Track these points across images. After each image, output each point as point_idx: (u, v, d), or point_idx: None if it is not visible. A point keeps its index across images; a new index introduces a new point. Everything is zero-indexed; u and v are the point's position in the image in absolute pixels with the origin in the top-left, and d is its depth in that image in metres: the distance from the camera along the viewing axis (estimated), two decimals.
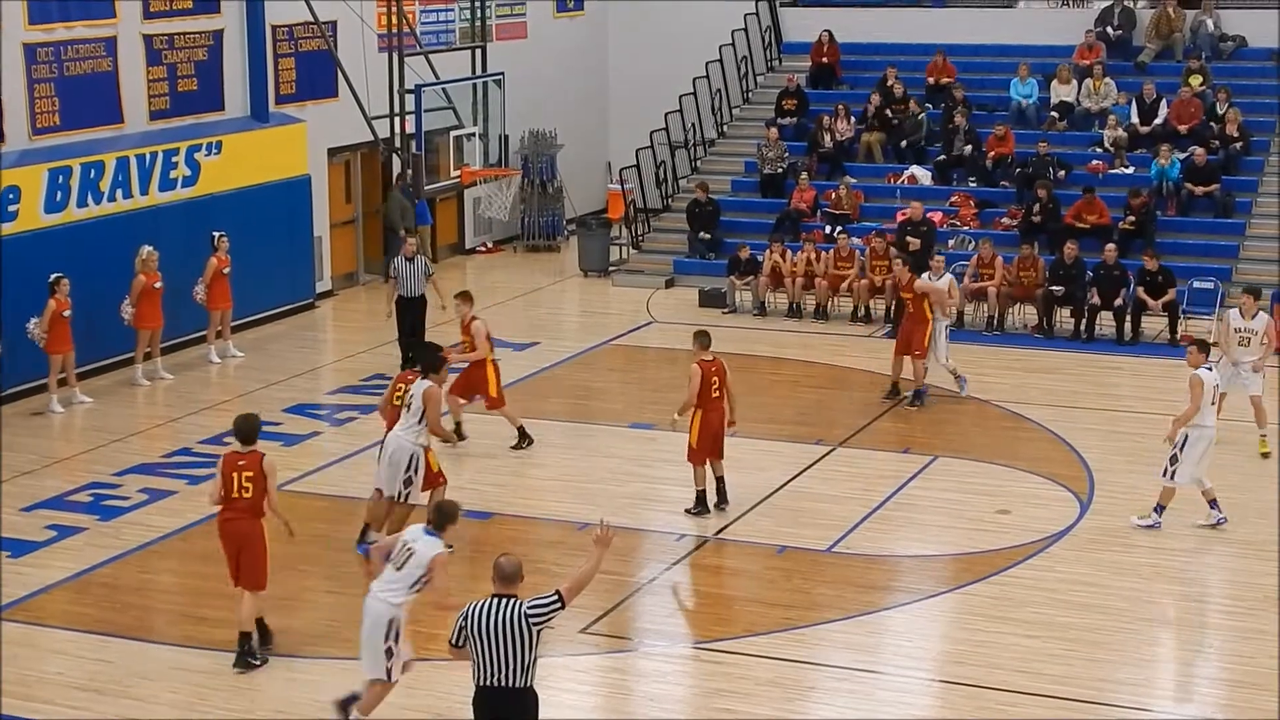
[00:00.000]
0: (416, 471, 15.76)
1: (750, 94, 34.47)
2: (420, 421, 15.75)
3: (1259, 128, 30.22)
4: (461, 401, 19.51)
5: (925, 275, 21.90)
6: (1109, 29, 32.70)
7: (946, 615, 15.33)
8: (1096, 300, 25.51)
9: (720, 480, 17.59)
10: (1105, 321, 25.48)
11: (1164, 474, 17.01)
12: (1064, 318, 25.82)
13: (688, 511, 17.41)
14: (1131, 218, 27.59)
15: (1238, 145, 29.62)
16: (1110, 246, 25.86)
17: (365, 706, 12.43)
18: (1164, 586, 15.91)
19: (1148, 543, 16.76)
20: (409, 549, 12.08)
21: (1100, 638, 14.50)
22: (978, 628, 14.80)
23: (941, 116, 31.26)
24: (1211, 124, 29.93)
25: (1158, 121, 30.23)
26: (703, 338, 17.85)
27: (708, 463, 17.41)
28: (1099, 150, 30.27)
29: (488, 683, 10.48)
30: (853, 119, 31.75)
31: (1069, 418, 21.10)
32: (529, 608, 10.44)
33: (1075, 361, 24.07)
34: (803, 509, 17.76)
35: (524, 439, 19.69)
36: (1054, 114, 31.22)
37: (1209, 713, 13.33)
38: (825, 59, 33.81)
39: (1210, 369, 17.16)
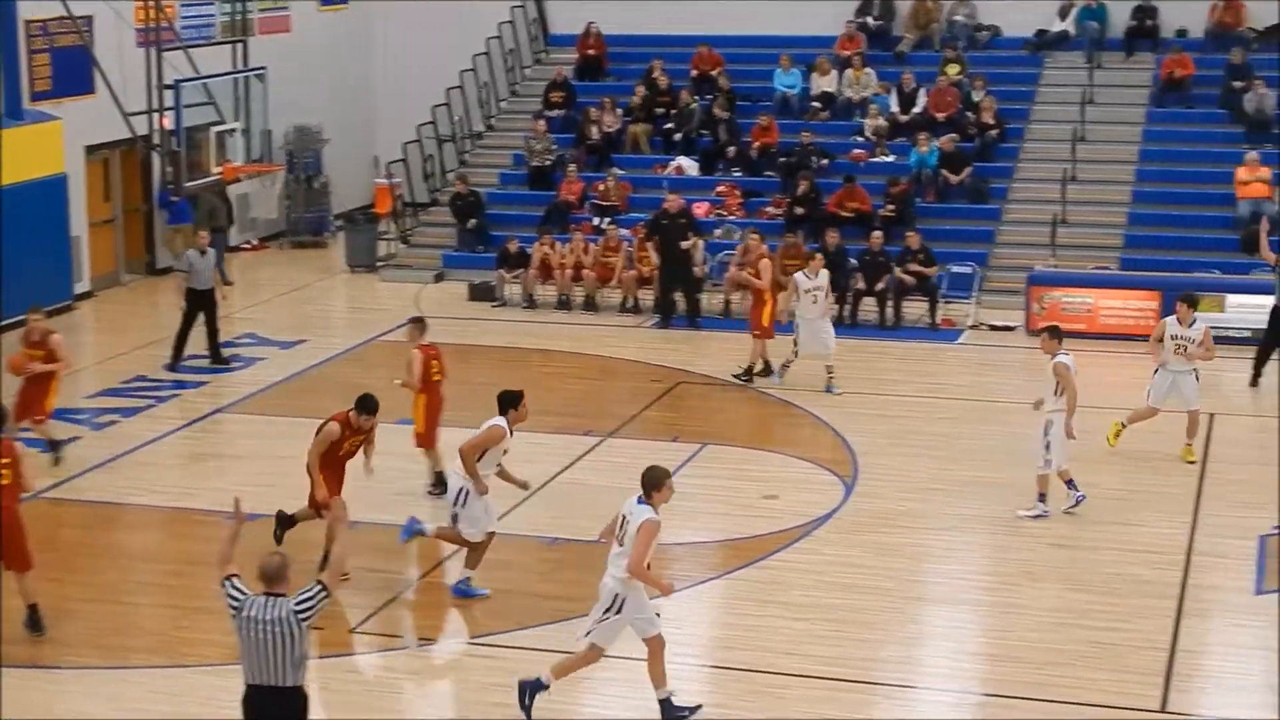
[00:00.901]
0: (463, 505, 15.14)
1: (518, 87, 34.46)
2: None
3: (1014, 115, 31.00)
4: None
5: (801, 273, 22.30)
6: (869, 20, 33.28)
7: (717, 601, 15.48)
8: (862, 285, 25.96)
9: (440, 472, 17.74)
10: (869, 307, 25.92)
11: (1043, 463, 17.17)
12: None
13: (429, 493, 17.65)
14: (892, 205, 28.14)
15: (994, 132, 30.36)
16: (877, 234, 26.32)
17: (561, 669, 12.79)
18: (928, 565, 16.24)
19: (910, 524, 17.10)
20: (626, 522, 12.37)
21: (866, 618, 14.76)
22: (747, 612, 14.98)
23: (709, 107, 31.54)
24: (968, 112, 30.63)
25: (917, 110, 30.86)
26: (420, 324, 17.97)
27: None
28: (860, 139, 30.82)
29: (257, 681, 10.36)
30: (620, 111, 31.89)
31: (835, 402, 21.43)
32: (296, 604, 10.33)
33: (840, 347, 24.39)
34: (574, 500, 17.78)
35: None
36: (816, 104, 31.68)
37: (972, 687, 13.64)
38: (592, 51, 33.92)
39: (1068, 354, 17.20)
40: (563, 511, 17.39)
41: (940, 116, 30.52)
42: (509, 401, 15.07)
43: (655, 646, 12.69)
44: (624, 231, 27.80)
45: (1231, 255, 27.45)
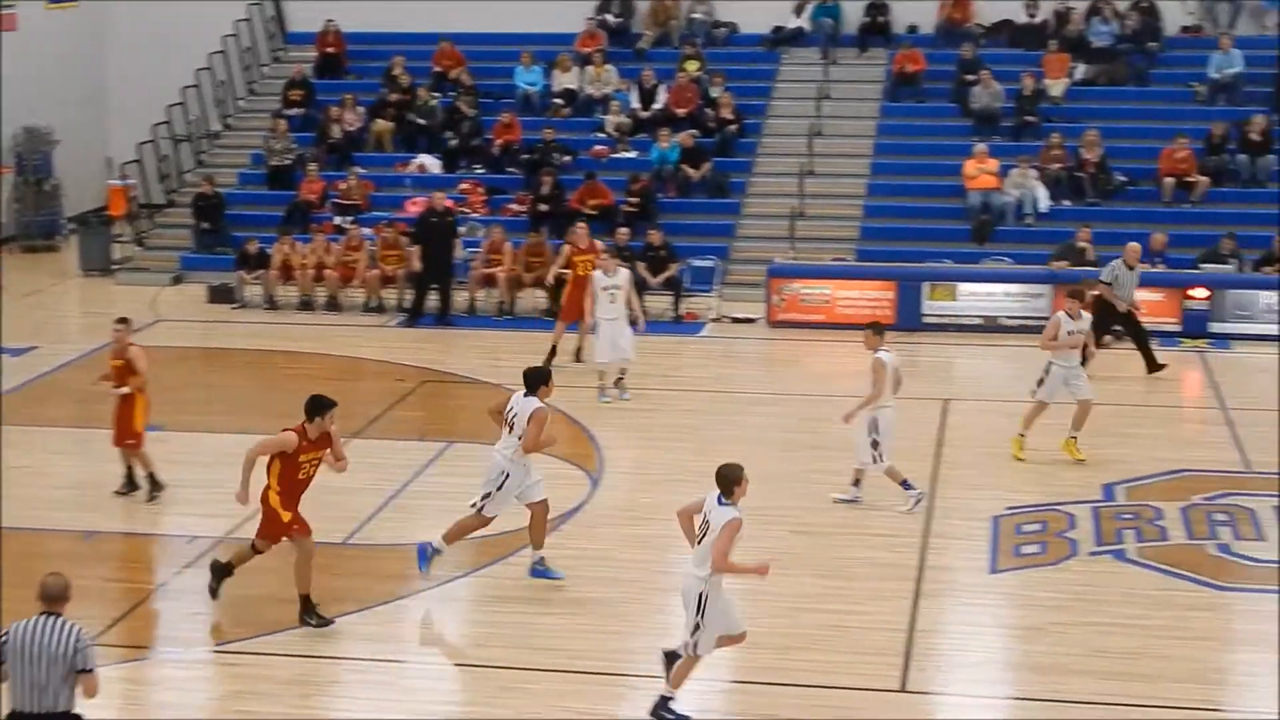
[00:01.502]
0: (500, 488, 15.07)
1: (256, 86, 34.00)
2: (519, 438, 14.95)
3: (752, 111, 31.48)
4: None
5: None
6: (608, 17, 33.51)
7: (466, 599, 15.45)
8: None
9: (131, 469, 17.64)
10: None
11: (872, 460, 17.29)
12: None
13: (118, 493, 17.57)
14: (634, 201, 28.38)
15: (733, 128, 30.79)
16: (623, 230, 26.50)
17: (675, 679, 12.63)
18: (674, 556, 16.35)
19: (655, 515, 17.19)
20: (707, 522, 12.38)
21: (615, 610, 14.86)
22: (496, 609, 14.97)
23: (451, 105, 31.46)
24: (708, 108, 31.02)
25: (657, 106, 31.17)
26: (126, 322, 17.79)
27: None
28: (602, 136, 31.01)
29: (24, 708, 9.98)
30: (361, 109, 31.63)
31: (580, 397, 21.52)
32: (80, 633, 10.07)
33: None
34: (319, 502, 17.52)
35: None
36: (558, 101, 31.79)
37: (720, 675, 13.80)
38: (331, 49, 33.61)
39: (889, 351, 17.31)
40: (306, 514, 17.12)
41: (680, 112, 30.86)
42: (539, 379, 15.15)
43: (738, 640, 12.84)
44: (366, 231, 27.60)
45: (963, 245, 28.24)
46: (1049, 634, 14.28)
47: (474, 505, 15.33)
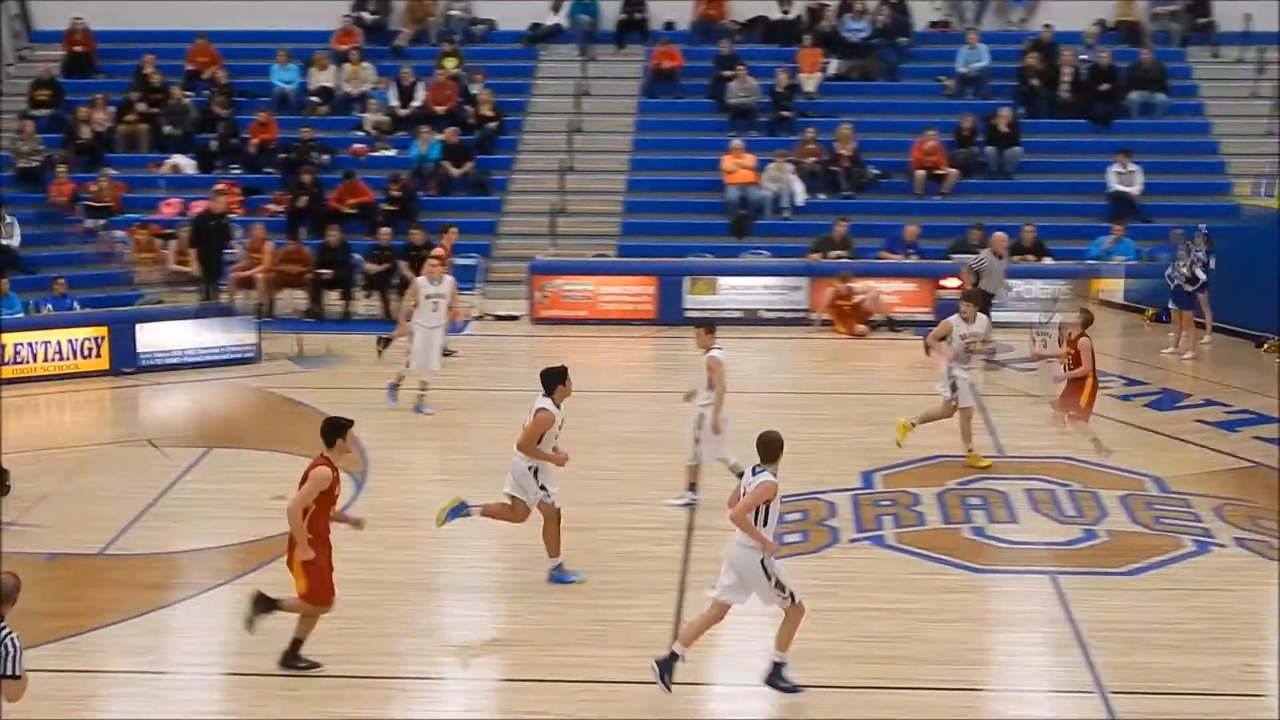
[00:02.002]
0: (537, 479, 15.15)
1: (0, 86, 32.98)
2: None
3: (511, 108, 31.47)
4: None
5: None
6: (364, 14, 33.22)
7: (229, 607, 15.15)
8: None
9: None
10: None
11: (692, 455, 17.21)
12: (333, 300, 26.10)
13: None
14: (394, 198, 28.19)
15: (492, 125, 30.74)
16: (385, 230, 26.30)
17: (783, 640, 12.86)
18: (441, 556, 16.31)
19: (422, 516, 17.08)
20: (744, 490, 12.67)
21: (383, 612, 14.70)
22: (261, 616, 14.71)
23: (205, 103, 30.92)
24: (467, 105, 30.92)
25: (416, 104, 30.99)
26: None
27: None
28: (360, 134, 30.74)
29: None
30: (111, 108, 30.92)
31: (346, 397, 21.30)
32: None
33: (346, 343, 24.36)
34: (73, 512, 17.18)
35: None
36: (315, 99, 31.42)
37: (492, 674, 13.78)
38: (79, 48, 32.81)
39: (721, 349, 17.20)
40: (59, 526, 16.75)
41: (439, 110, 30.75)
42: (555, 379, 15.03)
43: (795, 616, 12.92)
44: (119, 233, 26.99)
45: (722, 239, 28.59)
46: (812, 620, 14.42)
47: (543, 498, 15.22)
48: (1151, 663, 13.47)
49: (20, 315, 24.10)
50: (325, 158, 29.66)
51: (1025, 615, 14.67)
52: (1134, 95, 31.64)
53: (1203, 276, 24.12)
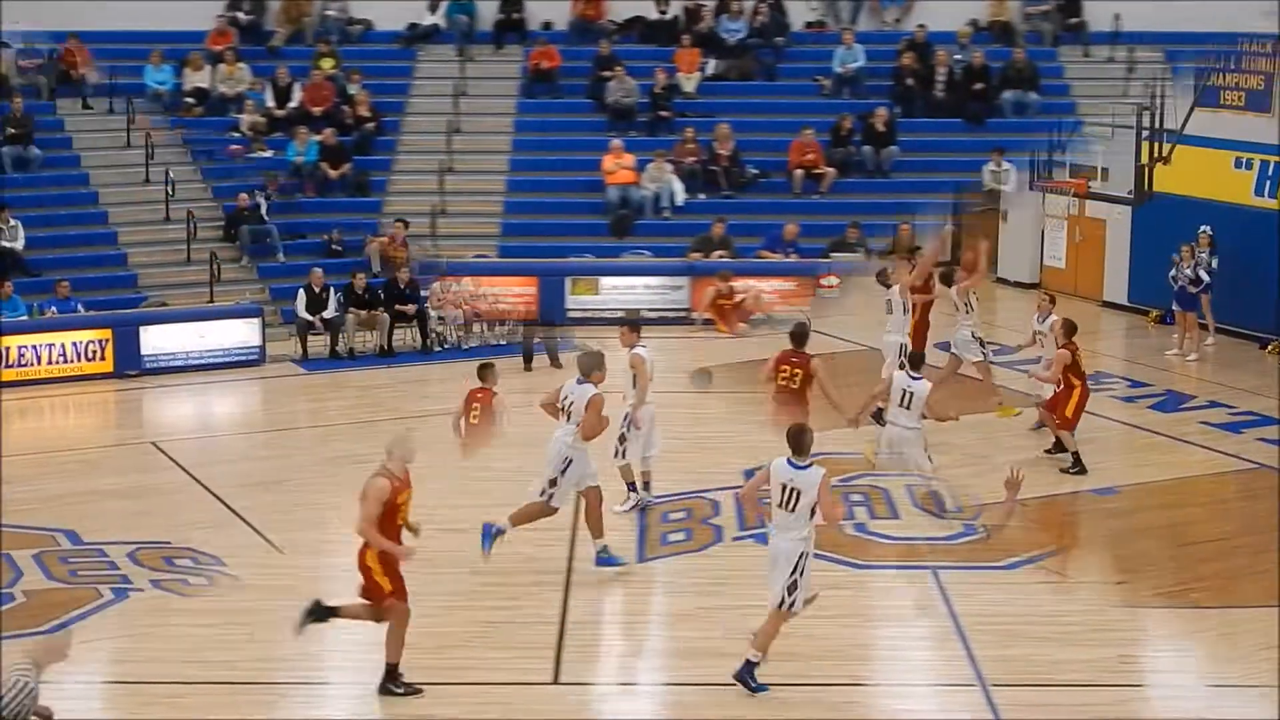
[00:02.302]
0: (563, 474, 15.30)
1: None
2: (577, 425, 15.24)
3: (390, 109, 31.30)
4: None
5: None
6: (239, 14, 32.88)
7: (112, 615, 14.96)
8: None
9: None
10: None
11: (615, 454, 17.06)
12: None
13: None
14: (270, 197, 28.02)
15: (370, 126, 30.56)
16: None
17: (762, 642, 12.84)
18: (323, 561, 16.16)
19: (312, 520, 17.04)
20: (794, 489, 12.82)
21: (263, 618, 14.57)
22: (144, 624, 14.55)
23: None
24: (344, 106, 30.72)
25: (293, 105, 30.72)
26: None
27: None
28: (237, 135, 30.41)
29: None
30: None
31: None
32: None
33: None
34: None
35: None
36: (190, 100, 31.06)
37: (370, 679, 13.67)
38: None
39: (645, 346, 17.21)
40: None
41: (316, 111, 30.50)
42: (592, 365, 15.51)
43: (776, 622, 13.15)
44: None
45: (603, 239, 28.61)
46: (697, 619, 14.56)
47: (542, 493, 15.42)
48: (1031, 655, 13.65)
49: (24, 318, 24.37)
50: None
51: (907, 610, 14.82)
52: (1007, 94, 32.02)
53: (1206, 278, 24.37)
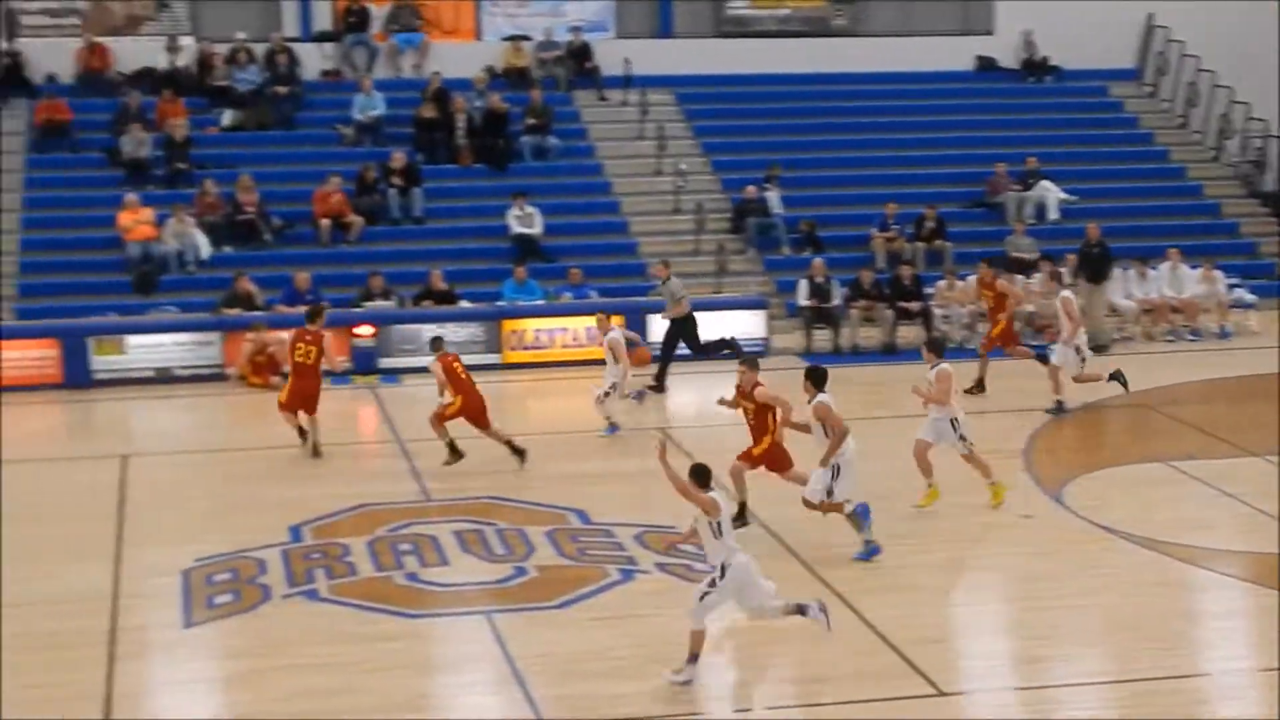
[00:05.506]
0: (836, 479, 16.76)
1: None
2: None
3: None
4: None
5: None
6: None
7: None
8: None
9: None
10: None
11: None
12: None
13: None
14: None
15: None
16: None
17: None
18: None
19: None
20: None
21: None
22: None
23: None
24: None
25: None
26: None
27: None
28: None
29: None
30: None
31: None
32: None
33: None
34: None
35: None
36: None
37: None
38: None
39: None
40: None
41: None
42: (823, 378, 16.74)
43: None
44: None
45: (127, 297, 27.78)
46: (249, 682, 14.25)
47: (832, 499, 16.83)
48: (587, 691, 13.86)
49: (539, 302, 26.93)
50: None
51: (463, 656, 14.86)
52: (526, 139, 32.56)
53: None
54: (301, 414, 21.00)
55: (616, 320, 23.33)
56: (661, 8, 36.07)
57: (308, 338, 21.11)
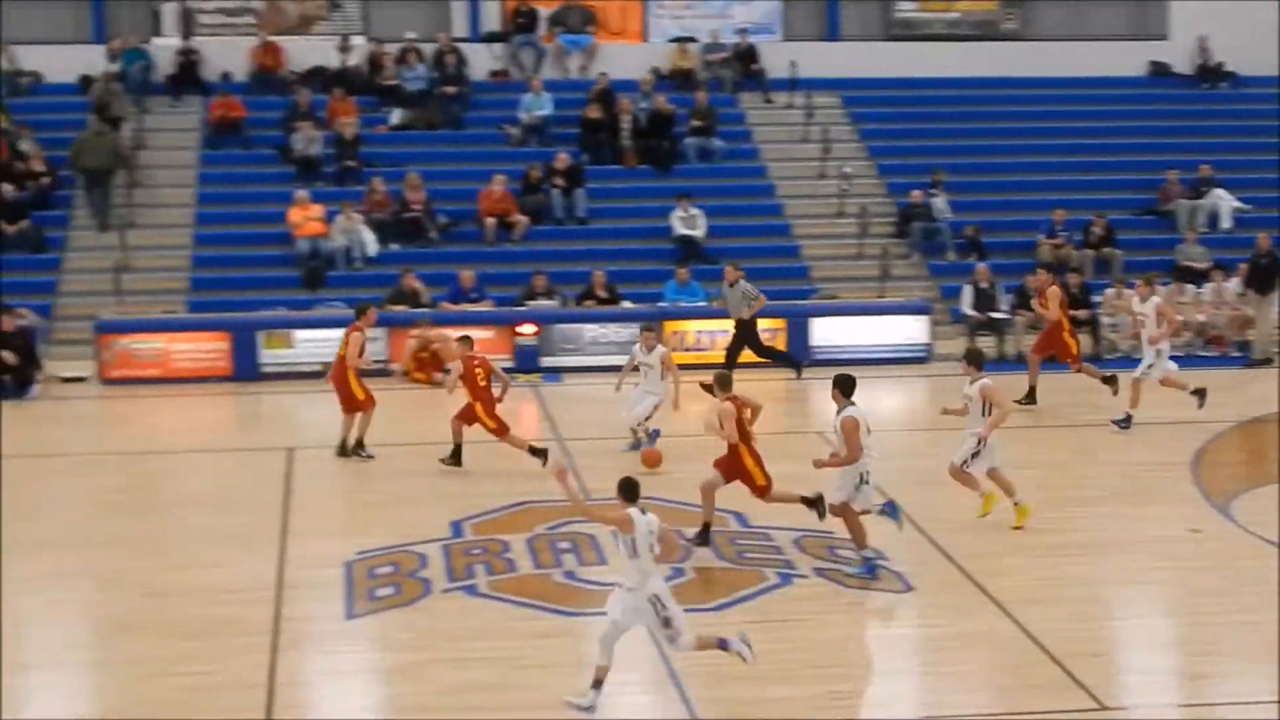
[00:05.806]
0: (858, 487, 16.43)
1: None
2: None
3: (65, 162, 30.34)
4: None
5: None
6: None
7: None
8: None
9: None
10: None
11: None
12: None
13: None
14: None
15: (46, 180, 29.65)
16: None
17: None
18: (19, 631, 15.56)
19: None
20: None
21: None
22: None
23: None
24: (18, 161, 29.74)
25: None
26: None
27: None
28: None
29: None
30: None
31: None
32: None
33: None
34: None
35: None
36: None
37: None
38: None
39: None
40: None
41: None
42: (852, 386, 16.16)
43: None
44: None
45: (295, 292, 28.19)
46: (409, 675, 14.37)
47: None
48: (743, 695, 13.79)
49: (700, 303, 27.16)
50: None
51: (620, 655, 14.82)
52: (691, 140, 32.57)
53: None
54: (361, 416, 21.00)
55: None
56: (829, 10, 35.94)
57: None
